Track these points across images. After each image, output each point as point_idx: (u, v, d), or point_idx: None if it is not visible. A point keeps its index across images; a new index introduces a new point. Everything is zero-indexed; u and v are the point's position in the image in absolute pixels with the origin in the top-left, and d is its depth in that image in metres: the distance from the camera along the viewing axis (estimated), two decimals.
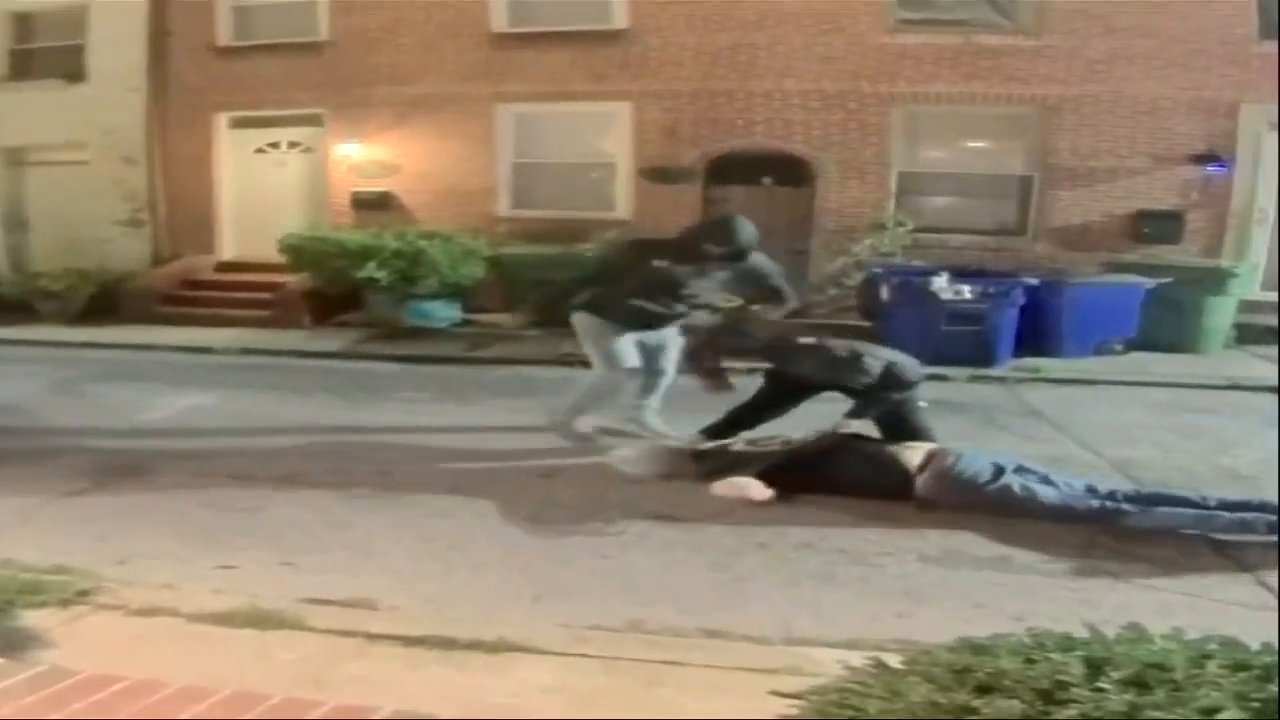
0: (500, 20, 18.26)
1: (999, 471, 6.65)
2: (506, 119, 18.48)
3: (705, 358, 8.29)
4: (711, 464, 7.45)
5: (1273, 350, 13.58)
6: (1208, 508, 6.24)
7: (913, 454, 7.05)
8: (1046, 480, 6.64)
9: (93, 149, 20.00)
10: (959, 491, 6.69)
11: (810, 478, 7.04)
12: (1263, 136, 15.87)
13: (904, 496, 6.78)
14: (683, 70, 17.46)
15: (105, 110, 19.52)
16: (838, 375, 7.72)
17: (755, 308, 8.75)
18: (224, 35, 19.58)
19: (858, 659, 3.14)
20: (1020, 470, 6.71)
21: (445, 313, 16.34)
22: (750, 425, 8.21)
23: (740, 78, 17.30)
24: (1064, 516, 6.40)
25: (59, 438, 9.18)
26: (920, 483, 6.82)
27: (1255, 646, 2.89)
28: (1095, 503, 6.39)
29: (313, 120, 19.19)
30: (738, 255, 8.28)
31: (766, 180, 17.51)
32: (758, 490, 6.98)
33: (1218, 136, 15.98)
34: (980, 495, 6.59)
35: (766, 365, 8.38)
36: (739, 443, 7.73)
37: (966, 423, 9.93)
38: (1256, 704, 2.58)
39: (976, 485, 6.64)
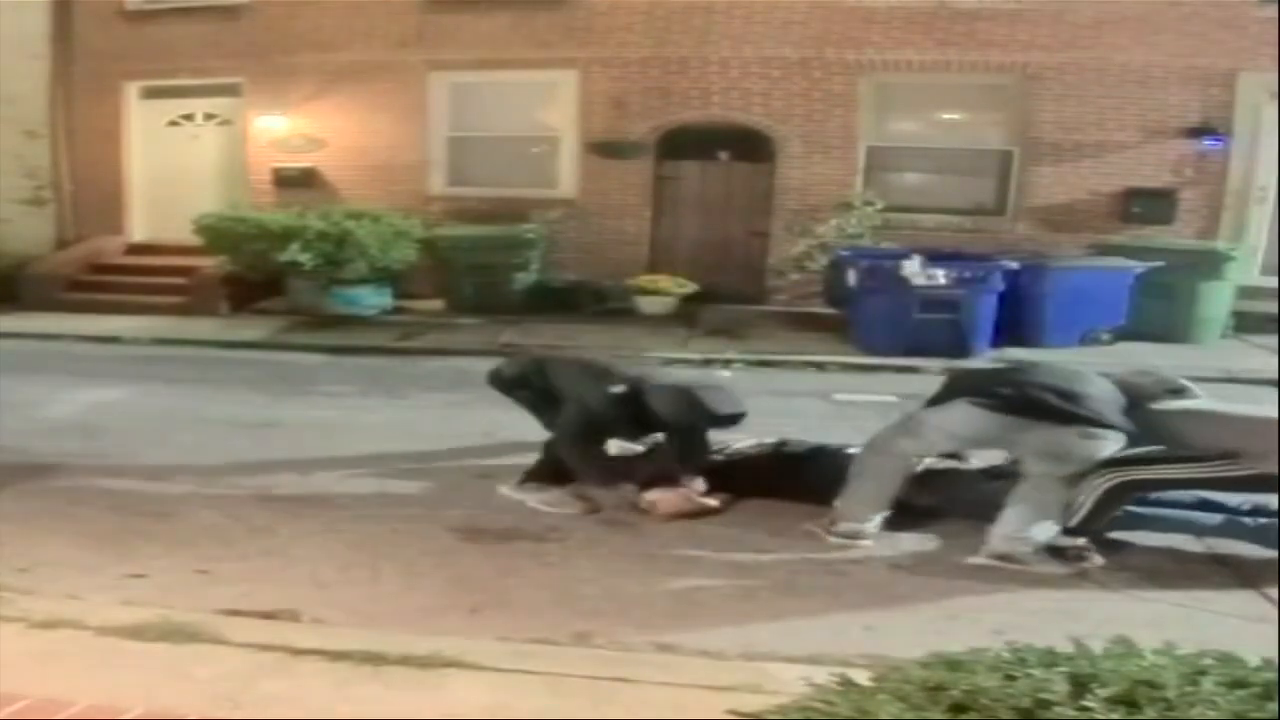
0: None
1: None
2: (441, 89, 18.27)
3: None
4: (647, 473, 7.40)
5: (1272, 340, 13.65)
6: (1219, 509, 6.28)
7: None
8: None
9: None
10: (934, 495, 6.72)
11: (773, 485, 7.03)
12: (1262, 108, 15.81)
13: None
14: (633, 36, 17.29)
15: (5, 79, 19.10)
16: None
17: None
18: None
19: (822, 675, 3.12)
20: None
21: (374, 299, 16.22)
22: None
23: (695, 44, 17.13)
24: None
25: None
26: None
27: (1254, 662, 2.88)
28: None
29: (230, 90, 18.90)
30: None
31: (723, 155, 17.46)
32: (680, 501, 6.97)
33: (1213, 108, 15.94)
34: (954, 499, 6.61)
35: None
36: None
37: None
38: None
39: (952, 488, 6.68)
